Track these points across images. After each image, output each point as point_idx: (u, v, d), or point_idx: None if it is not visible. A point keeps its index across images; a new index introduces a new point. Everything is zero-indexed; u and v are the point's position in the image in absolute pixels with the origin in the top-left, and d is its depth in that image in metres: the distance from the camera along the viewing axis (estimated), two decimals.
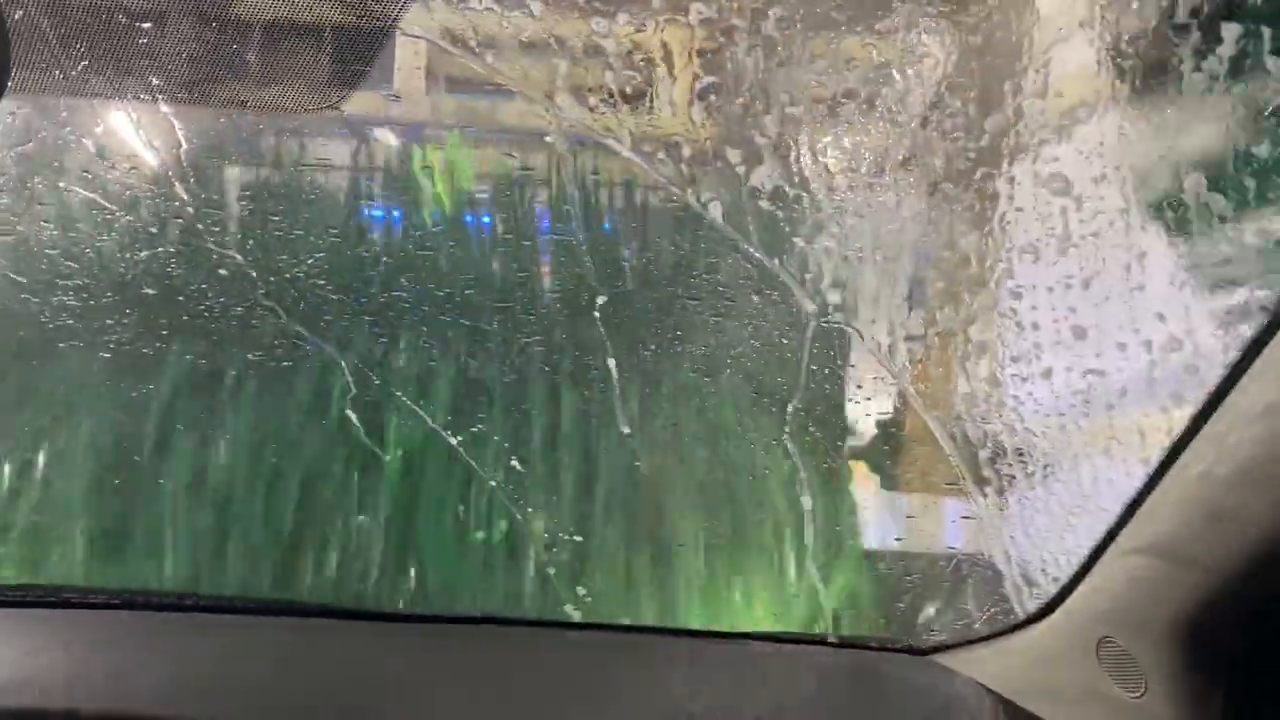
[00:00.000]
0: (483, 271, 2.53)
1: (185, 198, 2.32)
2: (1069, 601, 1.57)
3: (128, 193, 2.34)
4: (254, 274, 2.35)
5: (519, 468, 2.43)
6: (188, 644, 1.78)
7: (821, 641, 1.98)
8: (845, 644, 1.96)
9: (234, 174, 2.39)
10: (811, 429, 2.25)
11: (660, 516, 2.44)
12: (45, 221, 2.37)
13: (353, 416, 2.44)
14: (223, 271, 2.34)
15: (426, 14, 2.12)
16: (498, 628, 2.00)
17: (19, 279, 2.37)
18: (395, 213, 2.61)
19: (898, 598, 2.27)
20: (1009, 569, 1.97)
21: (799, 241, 2.10)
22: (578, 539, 2.40)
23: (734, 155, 2.14)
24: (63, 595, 1.93)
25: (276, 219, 2.39)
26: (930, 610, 2.22)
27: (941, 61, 2.00)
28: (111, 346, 2.44)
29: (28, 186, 2.41)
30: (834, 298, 2.13)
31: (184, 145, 2.27)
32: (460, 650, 1.85)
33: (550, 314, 2.49)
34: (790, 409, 2.23)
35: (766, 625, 2.41)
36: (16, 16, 1.98)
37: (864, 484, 2.32)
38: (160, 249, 2.36)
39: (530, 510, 2.39)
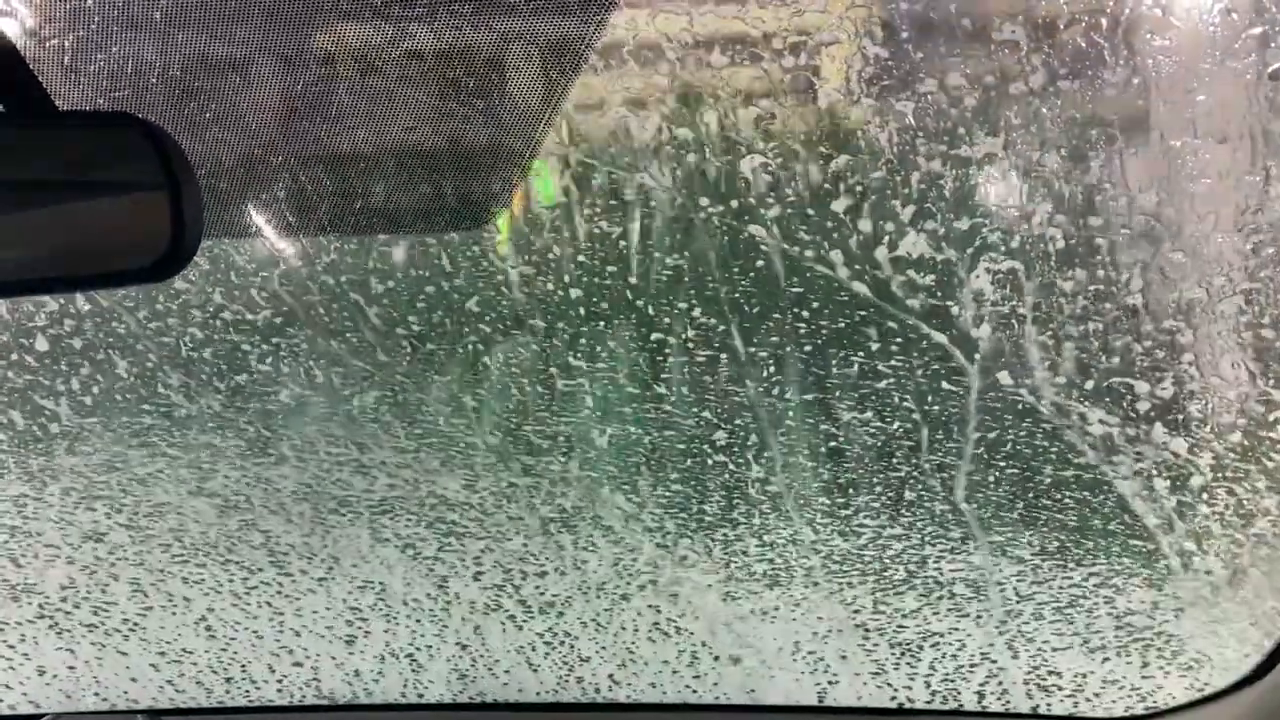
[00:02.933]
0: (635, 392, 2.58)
1: (367, 320, 2.50)
2: None
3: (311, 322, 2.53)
4: (439, 394, 2.50)
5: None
6: None
7: (1013, 715, 1.91)
8: (1038, 717, 1.90)
9: (404, 298, 2.54)
10: (984, 492, 2.21)
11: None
12: (237, 352, 2.57)
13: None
14: (420, 397, 2.51)
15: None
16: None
17: (223, 414, 2.57)
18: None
19: (1090, 664, 2.17)
20: (1210, 628, 1.88)
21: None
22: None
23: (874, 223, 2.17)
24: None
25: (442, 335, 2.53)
26: (1128, 677, 2.12)
27: None
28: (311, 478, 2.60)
29: (219, 318, 2.63)
30: (1001, 371, 2.11)
31: (356, 273, 2.45)
32: None
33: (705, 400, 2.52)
34: (963, 471, 2.20)
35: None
36: (204, 173, 2.22)
37: (1040, 546, 2.25)
38: (345, 369, 2.53)
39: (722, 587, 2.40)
